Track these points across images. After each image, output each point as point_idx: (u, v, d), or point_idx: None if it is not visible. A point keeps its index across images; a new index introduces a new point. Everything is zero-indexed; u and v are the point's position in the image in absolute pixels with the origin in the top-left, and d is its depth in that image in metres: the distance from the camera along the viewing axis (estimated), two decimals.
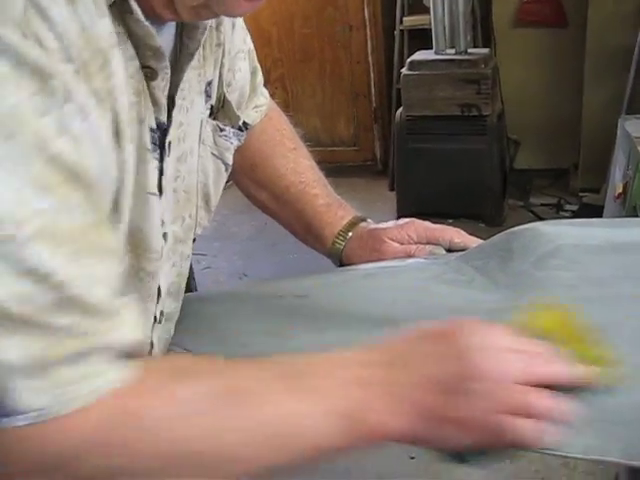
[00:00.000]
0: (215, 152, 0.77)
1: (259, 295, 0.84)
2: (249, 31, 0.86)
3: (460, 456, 0.53)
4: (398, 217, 0.91)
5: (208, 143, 0.75)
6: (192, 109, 0.68)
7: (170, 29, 0.62)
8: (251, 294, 0.86)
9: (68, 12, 0.46)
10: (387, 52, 3.68)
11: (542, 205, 3.30)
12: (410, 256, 0.86)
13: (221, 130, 0.77)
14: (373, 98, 3.86)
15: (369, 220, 0.92)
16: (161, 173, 0.63)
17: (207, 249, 2.99)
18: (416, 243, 0.87)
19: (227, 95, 0.78)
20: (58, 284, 0.45)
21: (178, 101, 0.64)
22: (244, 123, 0.82)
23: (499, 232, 0.83)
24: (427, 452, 0.54)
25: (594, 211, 2.76)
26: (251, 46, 0.86)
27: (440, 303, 0.74)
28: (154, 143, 0.60)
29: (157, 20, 0.57)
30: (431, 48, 3.14)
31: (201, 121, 0.72)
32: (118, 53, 0.52)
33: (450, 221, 2.60)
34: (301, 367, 0.54)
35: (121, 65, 0.52)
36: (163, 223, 0.64)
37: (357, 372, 0.53)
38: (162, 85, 0.59)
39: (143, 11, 0.53)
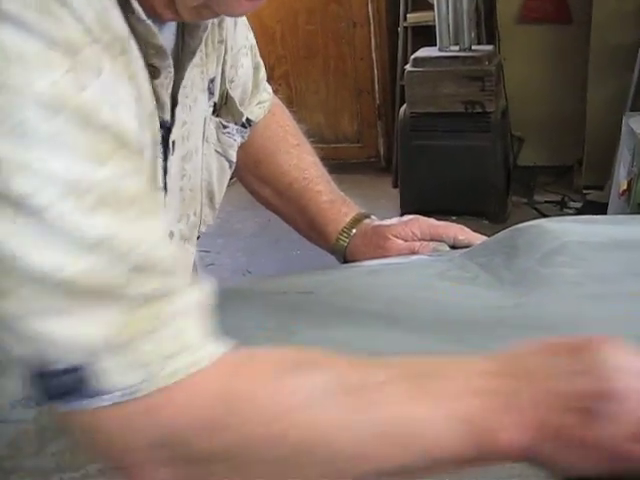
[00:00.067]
0: (219, 149, 0.77)
1: (263, 291, 0.84)
2: (253, 28, 0.86)
3: None
4: (401, 214, 0.91)
5: (212, 141, 0.75)
6: (195, 107, 0.68)
7: (171, 28, 0.61)
8: (255, 290, 0.86)
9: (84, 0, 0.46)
10: (391, 49, 3.67)
11: (546, 202, 3.29)
12: (414, 253, 0.86)
13: (224, 127, 0.77)
14: (377, 95, 3.85)
15: (373, 217, 0.92)
16: (165, 172, 0.63)
17: (211, 246, 2.99)
18: (420, 240, 0.87)
19: (230, 92, 0.78)
20: (127, 251, 0.44)
21: (181, 99, 0.63)
22: (247, 120, 0.82)
23: (503, 229, 0.83)
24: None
25: (598, 208, 2.75)
26: (253, 42, 0.86)
27: (444, 300, 0.74)
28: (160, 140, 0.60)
29: (158, 20, 0.57)
30: (435, 45, 3.13)
31: (204, 119, 0.72)
32: (133, 43, 0.52)
33: (453, 218, 2.59)
34: (423, 370, 0.51)
35: (137, 55, 0.52)
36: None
37: (481, 381, 0.49)
38: (165, 83, 0.59)
39: (144, 10, 0.52)
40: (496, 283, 0.76)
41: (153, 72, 0.57)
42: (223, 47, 0.73)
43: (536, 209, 3.23)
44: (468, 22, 3.07)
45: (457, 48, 3.08)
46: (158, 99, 0.59)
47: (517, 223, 0.82)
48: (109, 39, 0.47)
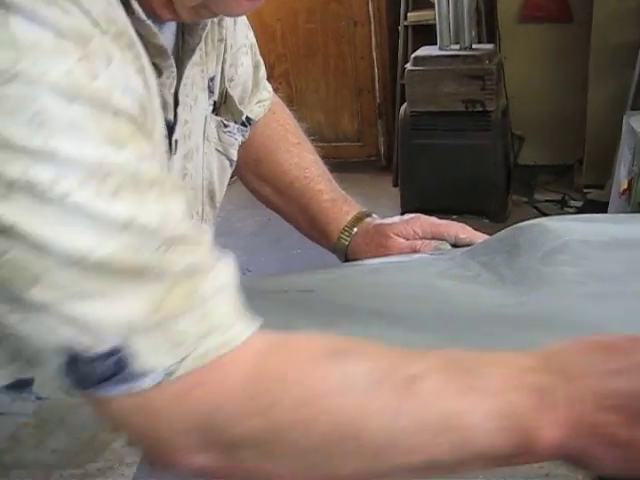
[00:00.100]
0: (219, 148, 0.77)
1: (264, 290, 0.84)
2: (253, 26, 0.85)
3: None
4: (402, 213, 0.91)
5: (212, 139, 0.75)
6: (196, 106, 0.68)
7: (171, 28, 0.62)
8: (255, 288, 0.86)
9: None
10: (391, 48, 3.67)
11: (546, 201, 3.29)
12: (416, 251, 0.86)
13: (225, 126, 0.77)
14: (377, 94, 3.85)
15: (374, 215, 0.92)
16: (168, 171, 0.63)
17: None
18: (422, 238, 0.87)
19: (229, 90, 0.78)
20: (155, 229, 0.44)
21: (182, 98, 0.63)
22: (247, 118, 0.82)
23: (503, 228, 0.83)
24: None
25: (599, 207, 2.75)
26: (253, 41, 0.86)
27: (446, 299, 0.74)
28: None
29: (158, 20, 0.57)
30: (435, 44, 3.13)
31: (205, 117, 0.72)
32: (138, 40, 0.52)
33: (454, 217, 2.58)
34: (467, 363, 0.49)
35: (143, 52, 0.52)
36: None
37: (520, 377, 0.48)
38: (168, 83, 0.59)
39: (144, 11, 0.52)
40: (497, 282, 0.75)
41: (155, 72, 0.57)
42: (223, 46, 0.73)
43: (536, 208, 3.23)
44: (469, 21, 3.07)
45: (458, 47, 3.08)
46: (162, 98, 0.59)
47: (517, 222, 0.82)
48: (116, 31, 0.47)
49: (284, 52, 3.87)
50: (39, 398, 0.57)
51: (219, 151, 0.77)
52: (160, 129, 0.58)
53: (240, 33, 0.80)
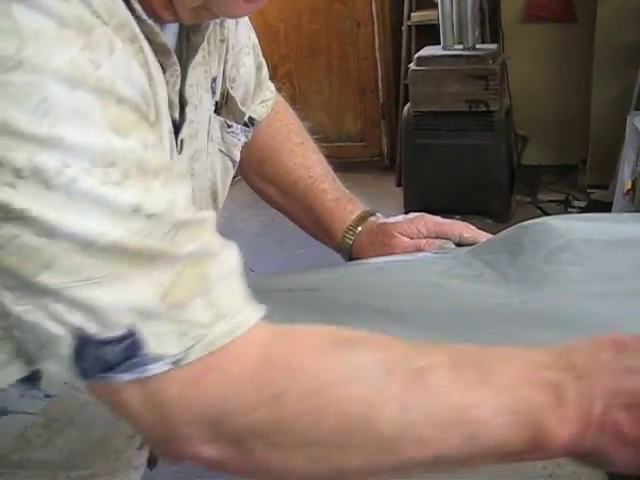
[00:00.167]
0: (222, 149, 0.77)
1: (267, 289, 0.84)
2: (256, 26, 0.85)
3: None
4: (405, 213, 0.91)
5: (216, 140, 0.75)
6: (201, 106, 0.68)
7: (172, 28, 0.61)
8: (260, 287, 0.86)
9: None
10: (395, 48, 3.67)
11: (550, 201, 3.29)
12: (420, 250, 0.86)
13: (229, 126, 0.77)
14: (380, 94, 3.85)
15: (378, 214, 0.92)
16: None
17: None
18: (426, 237, 0.87)
19: (231, 91, 0.78)
20: (162, 213, 0.44)
21: (188, 98, 0.64)
22: (250, 118, 0.82)
23: (506, 228, 0.83)
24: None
25: (602, 207, 2.75)
26: (256, 41, 0.86)
27: (449, 297, 0.74)
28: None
29: (159, 20, 0.57)
30: (439, 44, 3.13)
31: (209, 118, 0.72)
32: (140, 33, 0.52)
33: (457, 217, 2.58)
34: (479, 357, 0.49)
35: (148, 47, 0.52)
36: None
37: (538, 373, 0.48)
38: (172, 81, 0.59)
39: (144, 11, 0.52)
40: (501, 281, 0.75)
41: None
42: (224, 46, 0.73)
43: (540, 208, 3.23)
44: (472, 21, 3.07)
45: (461, 47, 3.08)
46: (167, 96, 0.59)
47: (521, 222, 0.82)
48: (117, 23, 0.47)
49: (287, 52, 3.87)
50: (48, 396, 0.57)
51: (222, 152, 0.77)
52: (167, 124, 0.58)
53: (242, 34, 0.80)
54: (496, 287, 0.75)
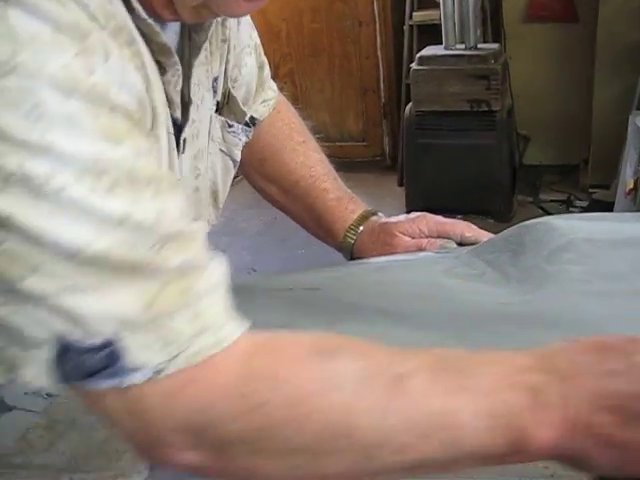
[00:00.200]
0: (223, 148, 0.77)
1: (269, 288, 0.84)
2: (258, 26, 0.85)
3: None
4: (407, 212, 0.91)
5: (216, 139, 0.75)
6: (202, 105, 0.68)
7: (174, 27, 0.61)
8: (261, 287, 0.86)
9: None
10: (396, 47, 3.67)
11: (552, 201, 3.29)
12: (421, 250, 0.86)
13: (230, 126, 0.77)
14: (382, 93, 3.85)
15: (380, 214, 0.92)
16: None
17: (215, 244, 2.97)
18: (427, 237, 0.87)
19: (232, 91, 0.78)
20: (150, 225, 0.44)
21: (191, 97, 0.63)
22: (252, 118, 0.81)
23: (508, 228, 0.83)
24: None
25: (604, 207, 2.75)
26: (257, 41, 0.86)
27: (451, 297, 0.74)
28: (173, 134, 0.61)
29: (159, 19, 0.57)
30: (441, 43, 3.13)
31: (210, 117, 0.72)
32: (139, 35, 0.52)
33: (459, 216, 2.57)
34: (458, 363, 0.49)
35: (145, 48, 0.52)
36: None
37: (517, 376, 0.48)
38: (173, 81, 0.59)
39: (144, 10, 0.52)
40: (503, 280, 0.76)
41: (159, 70, 0.57)
42: (226, 46, 0.73)
43: (542, 208, 3.23)
44: (474, 20, 3.07)
45: (463, 46, 3.08)
46: (167, 97, 0.59)
47: (522, 222, 0.82)
48: (114, 27, 0.47)
49: (289, 52, 3.87)
50: (50, 395, 0.57)
51: (223, 151, 0.77)
52: (164, 127, 0.58)
53: (244, 33, 0.80)
54: (498, 287, 0.75)
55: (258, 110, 0.87)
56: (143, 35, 0.53)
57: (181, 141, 0.63)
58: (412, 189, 3.20)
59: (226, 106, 0.77)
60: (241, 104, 0.79)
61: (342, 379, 0.46)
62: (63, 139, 0.41)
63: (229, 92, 0.77)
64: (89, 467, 0.65)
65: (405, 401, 0.47)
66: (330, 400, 0.46)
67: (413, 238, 0.87)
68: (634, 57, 2.90)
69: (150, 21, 0.53)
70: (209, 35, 0.63)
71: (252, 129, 0.81)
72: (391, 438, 0.46)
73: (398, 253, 0.86)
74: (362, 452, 0.46)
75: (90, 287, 0.43)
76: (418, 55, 3.10)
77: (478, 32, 3.13)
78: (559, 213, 3.08)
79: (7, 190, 0.41)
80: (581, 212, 3.07)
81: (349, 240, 0.90)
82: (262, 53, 0.88)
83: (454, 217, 0.90)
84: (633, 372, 0.46)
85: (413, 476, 0.48)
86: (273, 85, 0.93)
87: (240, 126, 0.78)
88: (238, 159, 0.79)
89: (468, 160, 3.01)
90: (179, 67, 0.59)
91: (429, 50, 3.13)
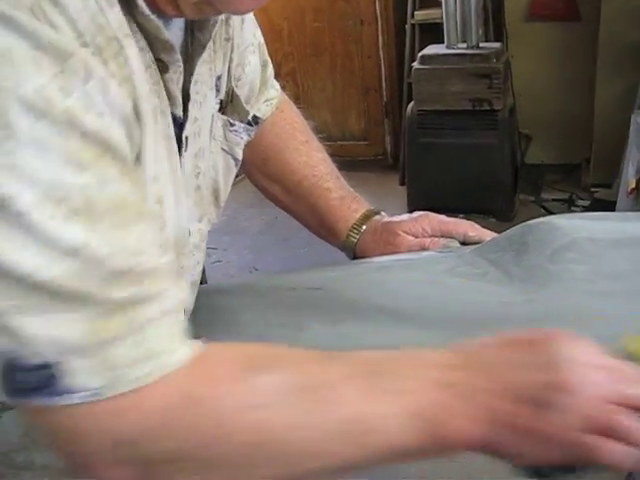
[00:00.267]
0: (225, 147, 0.77)
1: (272, 287, 0.84)
2: (260, 25, 0.85)
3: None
4: (409, 212, 0.91)
5: (218, 138, 0.75)
6: (205, 104, 0.68)
7: (178, 24, 0.61)
8: (264, 286, 0.87)
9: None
10: (398, 46, 3.66)
11: (553, 200, 3.28)
12: (424, 249, 0.86)
13: (231, 125, 0.77)
14: (384, 92, 3.84)
15: (383, 213, 0.92)
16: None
17: (217, 243, 2.99)
18: (430, 236, 0.87)
19: (236, 90, 0.78)
20: (102, 258, 0.44)
21: (192, 95, 0.63)
22: (254, 117, 0.81)
23: (510, 227, 0.83)
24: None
25: (606, 207, 2.74)
26: (261, 40, 0.86)
27: (454, 296, 0.74)
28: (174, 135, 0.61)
29: (163, 16, 0.57)
30: (442, 42, 3.12)
31: (212, 116, 0.72)
32: (132, 42, 0.51)
33: (461, 216, 2.57)
34: (380, 365, 0.52)
35: (136, 54, 0.52)
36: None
37: (436, 374, 0.50)
38: (175, 78, 0.59)
39: (148, 6, 0.52)
40: (506, 279, 0.76)
41: (161, 67, 0.57)
42: (229, 45, 0.73)
43: (543, 207, 3.22)
44: (476, 19, 3.06)
45: (465, 46, 3.07)
46: (169, 94, 0.59)
47: (524, 221, 0.82)
48: (102, 41, 0.47)
49: (291, 51, 3.86)
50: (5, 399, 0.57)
51: (225, 150, 0.77)
52: (163, 131, 0.58)
53: (247, 32, 0.80)
54: (501, 286, 0.75)
55: (261, 109, 0.87)
56: (146, 32, 0.54)
57: (183, 139, 0.63)
58: (414, 188, 3.20)
59: (230, 105, 0.77)
60: (244, 103, 0.79)
61: (265, 396, 0.49)
62: (28, 162, 0.42)
63: (233, 91, 0.77)
64: None
65: (325, 410, 0.49)
66: (253, 418, 0.48)
67: (416, 237, 0.87)
68: (636, 56, 2.89)
69: (153, 17, 0.53)
70: (213, 34, 0.63)
71: (254, 128, 0.81)
72: (311, 448, 0.49)
73: (401, 252, 0.86)
74: (284, 464, 0.49)
75: (34, 310, 0.43)
76: (420, 54, 3.10)
77: (480, 31, 3.13)
78: (561, 212, 3.07)
79: None
80: (583, 211, 3.07)
81: (352, 239, 0.90)
82: (265, 52, 0.88)
83: (456, 216, 0.90)
84: (550, 364, 0.49)
85: (340, 477, 0.52)
86: (276, 84, 0.93)
87: (242, 125, 0.78)
88: (240, 158, 0.79)
89: (470, 159, 3.01)
90: (181, 64, 0.59)
91: (431, 49, 3.12)
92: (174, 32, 0.60)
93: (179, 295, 0.50)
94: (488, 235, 0.86)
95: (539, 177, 3.45)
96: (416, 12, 3.43)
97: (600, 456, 0.48)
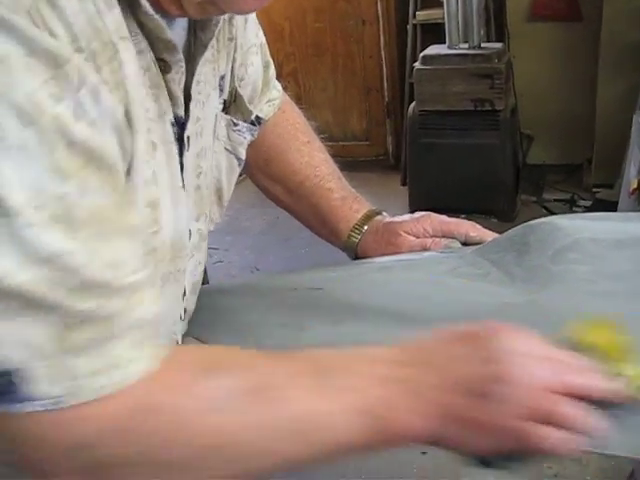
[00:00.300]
0: (228, 147, 0.77)
1: (273, 288, 0.84)
2: (261, 25, 0.85)
3: (484, 460, 0.52)
4: (410, 212, 0.91)
5: (222, 138, 0.75)
6: (207, 104, 0.68)
7: (181, 23, 0.61)
8: (265, 287, 0.86)
9: (76, 2, 0.46)
10: (400, 46, 3.66)
11: (555, 201, 3.28)
12: (426, 249, 0.86)
13: (235, 125, 0.77)
14: (385, 93, 3.84)
15: (384, 213, 0.92)
16: (181, 168, 0.63)
17: (219, 243, 2.99)
18: (432, 236, 0.87)
19: (239, 90, 0.78)
20: (74, 270, 0.45)
21: (194, 95, 0.63)
22: (257, 117, 0.82)
23: (511, 228, 0.83)
24: (446, 451, 0.53)
25: (608, 207, 2.74)
26: (263, 40, 0.86)
27: (455, 297, 0.74)
28: (173, 137, 0.60)
29: (167, 15, 0.57)
30: (444, 42, 3.12)
31: (215, 116, 0.72)
32: (129, 45, 0.52)
33: (462, 216, 2.56)
34: (329, 363, 0.54)
35: (132, 57, 0.52)
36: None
37: (384, 370, 0.52)
38: (177, 78, 0.59)
39: (151, 5, 0.53)
40: (507, 280, 0.75)
41: (164, 67, 0.57)
42: (233, 45, 0.73)
43: (545, 207, 3.22)
44: (477, 20, 3.06)
45: (466, 46, 3.07)
46: (171, 94, 0.59)
47: (526, 221, 0.82)
48: (97, 46, 0.47)
49: (292, 51, 3.86)
50: None
51: (228, 150, 0.77)
52: (162, 135, 0.58)
53: (250, 32, 0.80)
54: (502, 286, 0.75)
55: (263, 110, 0.87)
56: (148, 32, 0.54)
57: (185, 138, 0.63)
58: (415, 188, 3.19)
59: (233, 104, 0.77)
60: (247, 103, 0.79)
61: (220, 400, 0.50)
62: (12, 167, 0.42)
63: (236, 91, 0.77)
64: None
65: (278, 410, 0.51)
66: (211, 421, 0.50)
67: (417, 238, 0.87)
68: (638, 56, 2.89)
69: (157, 17, 0.53)
70: (215, 33, 0.63)
71: (257, 128, 0.82)
72: (264, 448, 0.51)
73: (402, 253, 0.86)
74: (239, 464, 0.51)
75: (1, 314, 0.43)
76: (421, 54, 3.10)
77: (482, 31, 3.12)
78: (563, 212, 3.07)
79: None
80: (585, 212, 3.06)
81: (353, 240, 0.90)
82: (267, 53, 0.88)
83: (457, 216, 0.90)
84: (491, 356, 0.51)
85: (291, 471, 0.54)
86: (278, 85, 0.93)
87: (245, 125, 0.78)
88: (243, 157, 0.79)
89: (471, 159, 3.01)
90: (183, 64, 0.59)
91: (432, 49, 3.12)
92: (177, 32, 0.60)
93: (151, 308, 0.50)
94: (490, 235, 0.86)
95: (541, 177, 3.45)
96: (418, 12, 3.43)
97: (535, 442, 0.49)
